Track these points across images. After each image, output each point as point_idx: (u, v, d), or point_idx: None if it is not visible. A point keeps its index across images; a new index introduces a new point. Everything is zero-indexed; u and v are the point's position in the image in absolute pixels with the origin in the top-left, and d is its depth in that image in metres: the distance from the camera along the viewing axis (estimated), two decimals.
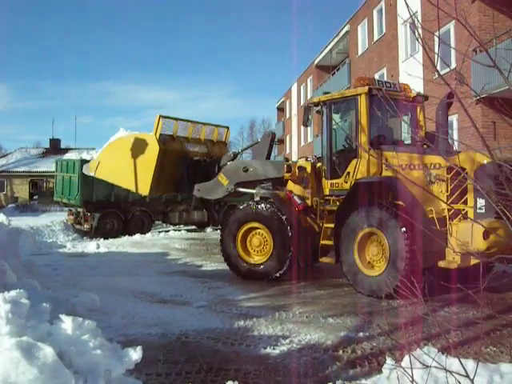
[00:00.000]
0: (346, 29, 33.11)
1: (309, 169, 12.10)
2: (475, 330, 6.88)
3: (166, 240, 21.45)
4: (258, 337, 6.86)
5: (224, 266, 12.78)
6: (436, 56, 2.89)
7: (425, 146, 10.58)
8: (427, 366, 3.50)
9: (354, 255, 10.18)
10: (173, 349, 6.30)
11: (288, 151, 53.10)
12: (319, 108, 11.97)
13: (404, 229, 9.43)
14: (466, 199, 9.42)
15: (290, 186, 12.35)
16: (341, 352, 6.19)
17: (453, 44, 18.70)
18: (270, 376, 5.39)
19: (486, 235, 8.67)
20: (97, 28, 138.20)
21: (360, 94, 11.02)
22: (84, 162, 23.71)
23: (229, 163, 13.51)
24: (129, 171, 13.29)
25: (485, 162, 9.05)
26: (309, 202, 12.05)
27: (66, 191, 24.77)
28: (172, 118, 13.74)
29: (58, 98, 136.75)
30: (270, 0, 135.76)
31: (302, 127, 43.51)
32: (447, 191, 9.58)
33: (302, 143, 45.18)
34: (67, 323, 3.51)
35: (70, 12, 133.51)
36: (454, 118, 18.67)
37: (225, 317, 7.99)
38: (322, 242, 11.43)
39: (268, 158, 13.48)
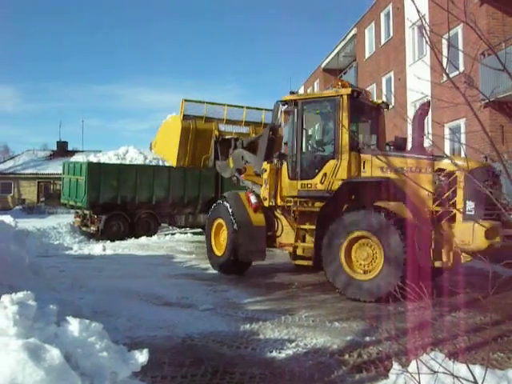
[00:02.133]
0: (353, 32, 33.09)
1: (268, 169, 12.35)
2: (482, 336, 6.84)
3: (172, 243, 21.46)
4: (264, 340, 6.84)
5: None
6: (445, 59, 2.88)
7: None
8: (434, 372, 3.47)
9: (341, 259, 10.18)
10: (178, 351, 6.29)
11: None
12: (289, 107, 11.96)
13: (402, 231, 9.53)
14: (455, 201, 9.69)
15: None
16: (347, 356, 6.17)
17: (460, 47, 18.67)
18: (276, 380, 5.37)
19: (488, 235, 9.01)
20: (104, 31, 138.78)
21: (342, 95, 11.07)
22: (91, 164, 23.88)
23: (237, 150, 14.30)
24: (168, 147, 15.78)
25: (477, 167, 9.76)
26: (266, 202, 12.45)
27: (72, 193, 24.83)
28: (196, 101, 15.48)
29: (66, 100, 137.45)
30: (278, 3, 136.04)
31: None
32: (435, 193, 9.80)
33: None
34: (74, 325, 3.51)
35: (78, 14, 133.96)
36: (461, 122, 18.63)
37: (230, 320, 7.98)
38: (295, 243, 11.66)
39: (268, 152, 13.08)
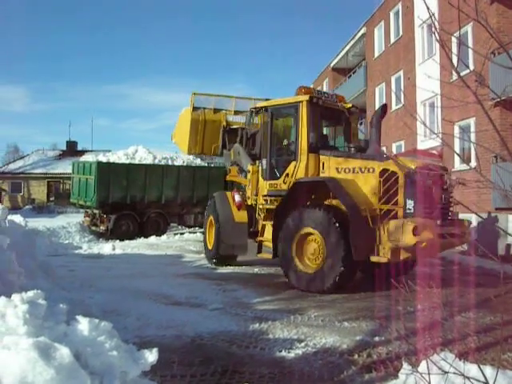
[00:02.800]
0: (362, 31, 32.98)
1: (251, 170, 13.57)
2: (493, 336, 6.81)
3: (182, 242, 21.51)
4: (273, 340, 6.84)
5: (239, 268, 13.54)
6: (456, 57, 2.86)
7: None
8: (445, 372, 3.45)
9: (292, 253, 11.05)
10: (188, 351, 6.29)
11: None
12: (262, 113, 13.32)
13: (339, 227, 10.35)
14: (397, 200, 10.43)
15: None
16: (356, 356, 6.15)
17: (470, 46, 18.57)
18: (285, 379, 5.36)
19: (415, 231, 9.74)
20: (114, 30, 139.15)
21: (301, 102, 11.96)
22: (100, 164, 23.94)
23: (236, 144, 15.19)
24: (182, 136, 16.82)
25: (415, 167, 10.47)
26: (249, 201, 13.67)
27: (82, 193, 24.92)
28: (206, 94, 16.88)
29: (75, 100, 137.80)
30: (287, 3, 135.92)
31: None
32: (380, 193, 10.57)
33: None
34: (83, 324, 3.51)
35: (87, 14, 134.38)
36: (471, 121, 18.54)
37: (240, 319, 7.97)
38: (259, 238, 12.55)
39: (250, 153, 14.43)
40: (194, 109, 16.66)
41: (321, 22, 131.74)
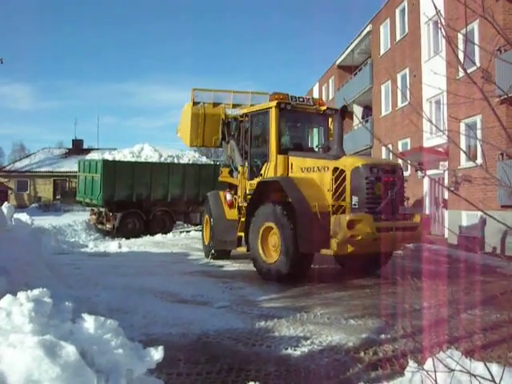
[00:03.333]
0: (368, 29, 32.89)
1: (241, 171, 14.41)
2: (499, 333, 6.78)
3: (187, 240, 21.53)
4: (279, 338, 6.83)
5: (245, 266, 13.56)
6: (462, 54, 2.84)
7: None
8: (451, 370, 3.43)
9: (257, 245, 12.20)
10: (194, 349, 6.29)
11: None
12: (243, 119, 14.49)
13: (290, 222, 11.26)
14: (345, 196, 11.31)
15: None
16: (362, 354, 6.14)
17: (477, 43, 18.49)
18: (291, 377, 5.35)
19: (350, 225, 10.50)
20: (119, 28, 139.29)
21: (270, 108, 13.14)
22: (106, 162, 23.98)
23: (232, 141, 15.85)
24: (184, 130, 17.71)
25: (359, 165, 11.32)
26: (239, 199, 14.35)
27: (88, 191, 24.99)
28: (205, 90, 17.75)
29: (81, 98, 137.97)
30: (292, 1, 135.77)
31: None
32: (332, 189, 11.39)
33: None
34: (89, 322, 3.51)
35: (93, 12, 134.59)
36: (477, 119, 18.48)
37: (246, 317, 7.97)
38: (239, 233, 13.58)
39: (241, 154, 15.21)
40: (194, 104, 17.42)
41: (327, 20, 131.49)
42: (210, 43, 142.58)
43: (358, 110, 35.23)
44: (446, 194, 21.32)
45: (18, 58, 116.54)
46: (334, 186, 11.39)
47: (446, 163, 21.41)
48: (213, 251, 15.42)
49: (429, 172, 21.75)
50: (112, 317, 3.92)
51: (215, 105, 17.60)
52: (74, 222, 25.59)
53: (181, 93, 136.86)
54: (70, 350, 3.14)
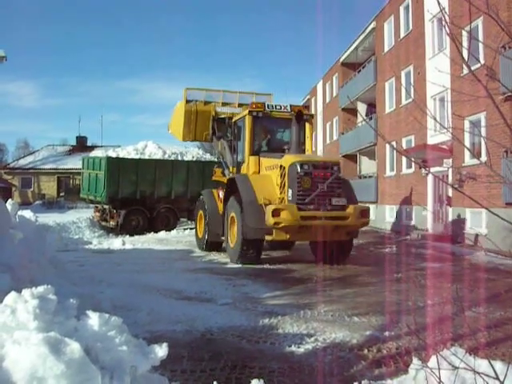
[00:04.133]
0: (372, 26, 32.77)
1: (232, 171, 16.38)
2: (503, 331, 6.78)
3: (191, 237, 21.48)
4: (283, 335, 6.83)
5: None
6: (466, 51, 2.84)
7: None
8: (455, 367, 3.43)
9: (226, 234, 14.71)
10: (197, 346, 6.29)
11: (313, 149, 52.74)
12: (231, 123, 16.66)
13: (240, 212, 13.40)
14: (285, 190, 13.30)
15: None
16: (366, 351, 6.13)
17: (481, 40, 18.41)
18: (295, 374, 5.35)
19: (274, 214, 12.42)
20: (123, 25, 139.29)
21: (245, 116, 15.42)
22: (110, 159, 24.02)
23: (224, 140, 17.64)
24: (177, 126, 19.49)
25: (293, 161, 13.17)
26: None
27: (92, 188, 25.03)
28: (197, 89, 19.51)
29: (85, 95, 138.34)
30: None
31: (328, 125, 43.31)
32: (280, 185, 13.47)
33: (328, 141, 44.93)
34: (94, 319, 3.52)
35: (97, 10, 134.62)
36: (481, 116, 18.42)
37: (249, 314, 7.98)
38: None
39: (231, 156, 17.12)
40: (187, 101, 18.98)
41: (331, 17, 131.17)
42: (215, 41, 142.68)
43: (361, 108, 35.10)
44: (450, 192, 21.26)
45: (22, 55, 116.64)
46: (279, 181, 13.51)
47: (450, 161, 21.35)
48: (206, 242, 16.84)
49: (432, 169, 21.68)
50: (116, 314, 3.92)
51: (206, 103, 19.14)
52: (78, 219, 25.65)
53: None
54: (74, 347, 3.15)
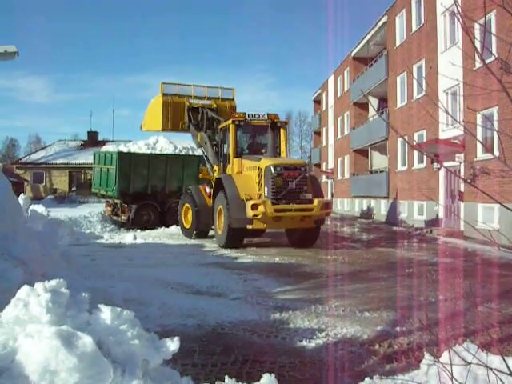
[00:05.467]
0: (383, 20, 32.61)
1: (217, 170, 19.14)
2: None
3: None
4: (294, 329, 6.83)
5: (259, 258, 13.82)
6: (481, 45, 2.81)
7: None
8: (467, 363, 3.40)
9: (215, 224, 17.40)
10: (209, 340, 6.30)
11: (324, 144, 52.70)
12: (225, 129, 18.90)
13: (226, 205, 16.06)
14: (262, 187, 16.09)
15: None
16: (377, 346, 6.11)
17: (494, 33, 18.24)
18: (306, 369, 5.34)
19: (253, 207, 15.30)
20: (134, 20, 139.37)
21: (229, 124, 17.96)
22: (121, 154, 24.08)
23: (206, 134, 20.81)
24: (154, 119, 22.03)
25: (268, 164, 15.90)
26: None
27: (103, 183, 25.11)
28: (172, 84, 22.24)
29: (96, 90, 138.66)
30: None
31: (339, 120, 43.18)
32: (258, 183, 16.24)
33: (339, 136, 44.81)
34: (106, 313, 3.52)
35: (108, 5, 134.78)
36: (494, 110, 18.29)
37: (260, 309, 7.98)
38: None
39: (216, 155, 20.16)
40: (164, 95, 21.61)
41: (342, 11, 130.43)
42: (226, 36, 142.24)
43: (373, 102, 34.93)
44: (462, 187, 21.14)
45: (34, 50, 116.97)
46: (258, 180, 16.27)
47: (462, 155, 21.23)
48: (195, 232, 19.40)
49: (445, 164, 21.56)
50: (128, 308, 3.93)
51: (180, 96, 21.81)
52: (90, 213, 25.75)
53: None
54: (86, 341, 3.16)
